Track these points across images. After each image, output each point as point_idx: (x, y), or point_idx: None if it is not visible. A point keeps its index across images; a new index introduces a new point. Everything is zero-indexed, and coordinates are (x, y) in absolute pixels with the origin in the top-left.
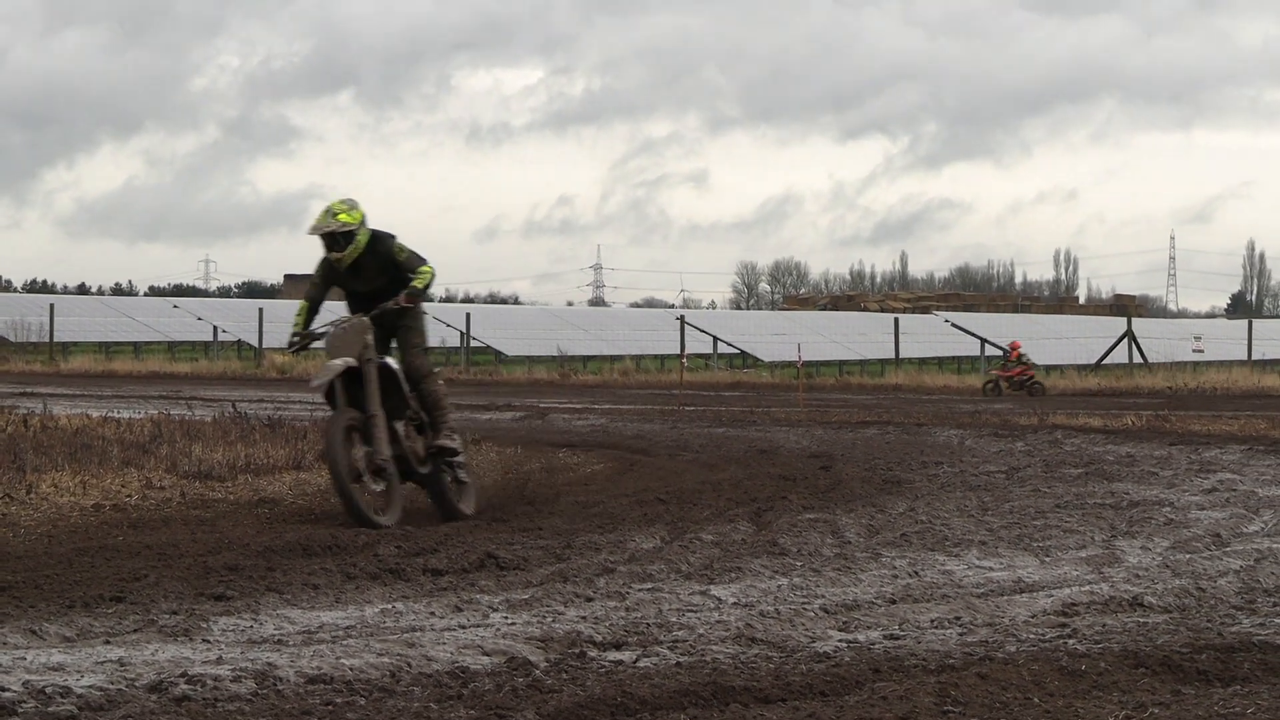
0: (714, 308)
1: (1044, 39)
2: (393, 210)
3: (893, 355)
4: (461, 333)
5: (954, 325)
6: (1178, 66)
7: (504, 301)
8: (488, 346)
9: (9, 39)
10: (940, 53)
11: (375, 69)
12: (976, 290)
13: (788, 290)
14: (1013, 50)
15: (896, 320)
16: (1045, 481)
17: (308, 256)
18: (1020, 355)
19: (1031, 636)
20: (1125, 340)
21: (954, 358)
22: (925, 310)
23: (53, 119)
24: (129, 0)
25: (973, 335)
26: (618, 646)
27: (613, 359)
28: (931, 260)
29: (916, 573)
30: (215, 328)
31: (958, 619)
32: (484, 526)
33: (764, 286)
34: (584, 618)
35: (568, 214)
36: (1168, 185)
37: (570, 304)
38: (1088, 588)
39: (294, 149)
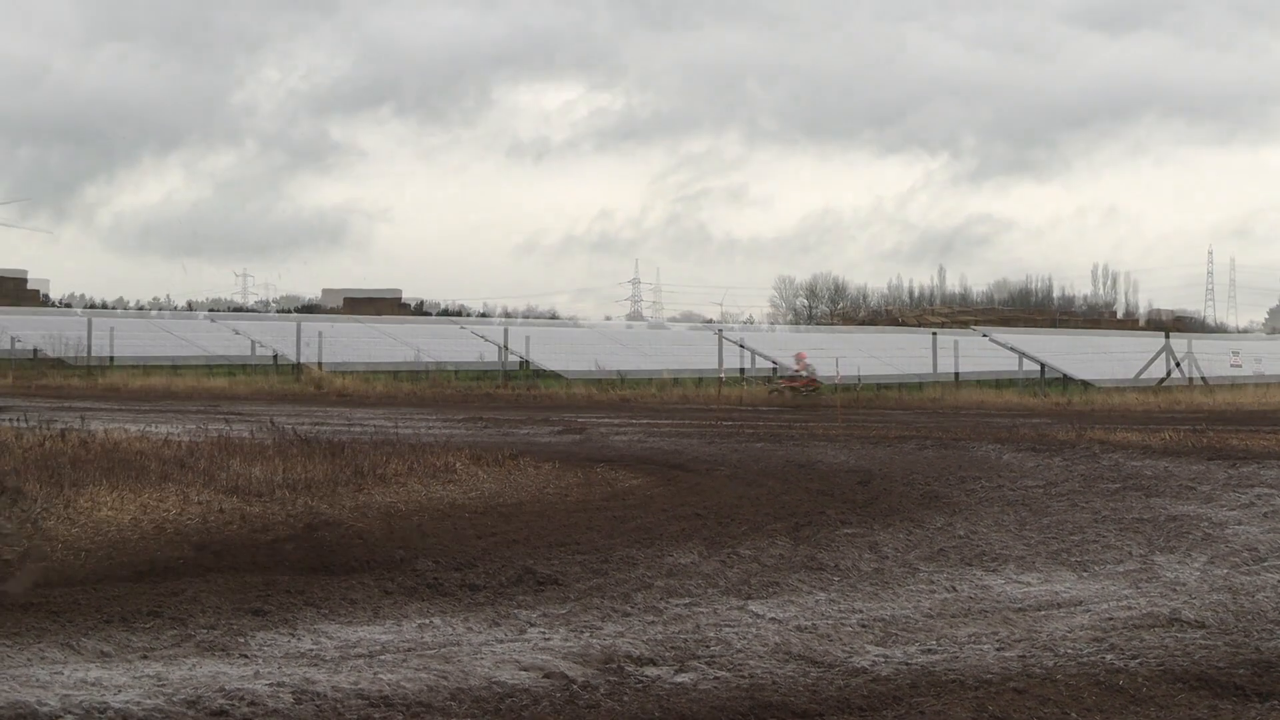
0: (751, 323)
1: (1085, 54)
2: (432, 224)
3: (931, 370)
4: (499, 347)
5: (992, 340)
6: (1219, 82)
7: (541, 317)
8: (526, 362)
9: (51, 53)
10: (981, 68)
11: (417, 84)
12: (1014, 306)
13: (826, 306)
14: (1054, 65)
15: (934, 336)
16: (1083, 496)
17: (345, 271)
18: (806, 366)
19: (1069, 651)
20: (1164, 355)
21: (992, 373)
22: (963, 326)
23: (94, 134)
24: (171, 15)
25: (1011, 350)
26: (655, 662)
27: (652, 374)
28: (970, 276)
29: (954, 588)
30: (253, 343)
31: (995, 634)
32: (521, 542)
33: (801, 301)
34: (622, 632)
35: (607, 229)
36: (1208, 200)
37: (608, 318)
38: (1125, 602)
39: (334, 164)
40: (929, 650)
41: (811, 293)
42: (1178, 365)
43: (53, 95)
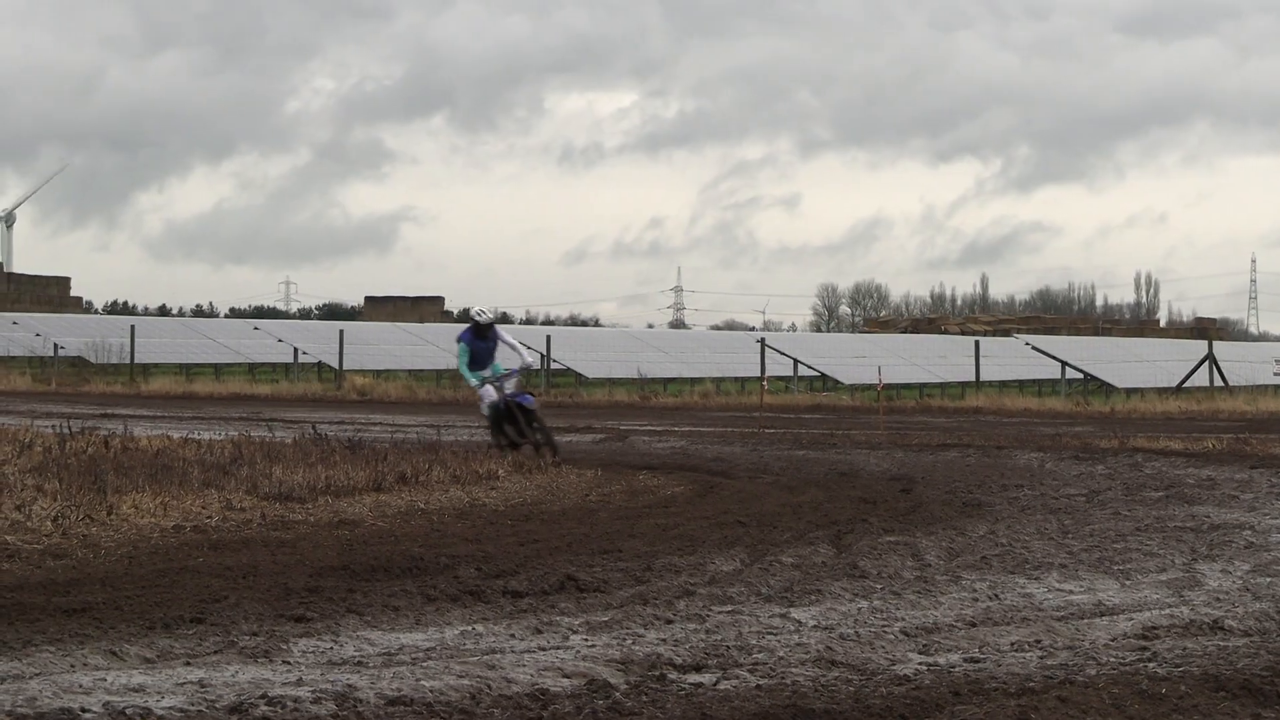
0: (794, 330)
1: (1137, 62)
2: (482, 232)
3: (973, 378)
4: (541, 354)
5: (1034, 348)
6: (1271, 89)
7: (584, 324)
8: (568, 369)
9: (106, 61)
10: (1033, 76)
11: (469, 92)
12: (1057, 313)
13: (868, 313)
14: (1106, 73)
15: (977, 343)
16: (1126, 505)
17: (391, 279)
18: None
19: (1112, 660)
20: (1206, 363)
21: (1034, 380)
22: (1005, 333)
23: (147, 142)
24: (225, 23)
25: (1053, 358)
26: (698, 669)
27: (693, 381)
28: (1017, 283)
29: (996, 595)
30: (296, 349)
31: (1038, 642)
32: (564, 549)
33: (844, 309)
34: (664, 640)
35: (657, 236)
36: (1258, 208)
37: (650, 326)
38: (1168, 611)
39: (387, 172)
40: (972, 658)
41: (854, 300)
42: (1220, 373)
43: (108, 102)
